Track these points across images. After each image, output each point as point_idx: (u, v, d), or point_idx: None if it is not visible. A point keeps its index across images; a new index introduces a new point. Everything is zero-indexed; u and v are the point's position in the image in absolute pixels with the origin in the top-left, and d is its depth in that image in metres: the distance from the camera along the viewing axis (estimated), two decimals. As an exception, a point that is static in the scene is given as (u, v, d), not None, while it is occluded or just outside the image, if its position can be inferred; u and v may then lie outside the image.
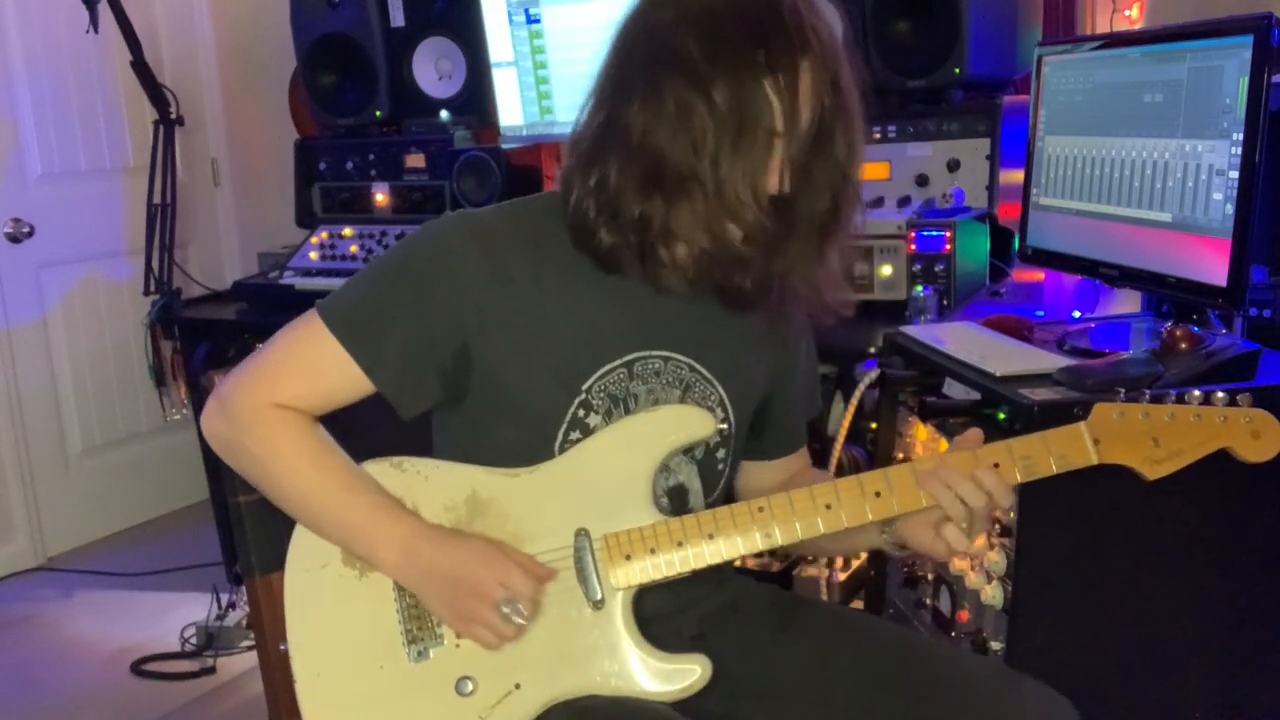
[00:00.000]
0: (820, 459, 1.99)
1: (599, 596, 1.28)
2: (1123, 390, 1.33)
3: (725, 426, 1.40)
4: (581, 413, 1.32)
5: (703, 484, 1.41)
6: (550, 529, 1.31)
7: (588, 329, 1.32)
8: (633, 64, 1.26)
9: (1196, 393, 1.31)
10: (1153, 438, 1.30)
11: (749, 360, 1.42)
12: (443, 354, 1.30)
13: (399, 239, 3.18)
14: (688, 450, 1.38)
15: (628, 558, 1.29)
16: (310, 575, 1.35)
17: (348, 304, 1.32)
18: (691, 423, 1.33)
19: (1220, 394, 1.31)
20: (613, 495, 1.31)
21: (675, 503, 1.39)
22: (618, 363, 1.33)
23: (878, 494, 1.30)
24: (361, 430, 1.38)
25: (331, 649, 1.33)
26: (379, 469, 1.35)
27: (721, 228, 1.24)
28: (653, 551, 1.29)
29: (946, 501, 1.27)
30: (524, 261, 1.31)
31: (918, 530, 1.32)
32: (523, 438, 1.33)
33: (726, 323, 1.37)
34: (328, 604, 1.34)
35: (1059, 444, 1.31)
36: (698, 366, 1.37)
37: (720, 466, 1.42)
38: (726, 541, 1.29)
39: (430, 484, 1.34)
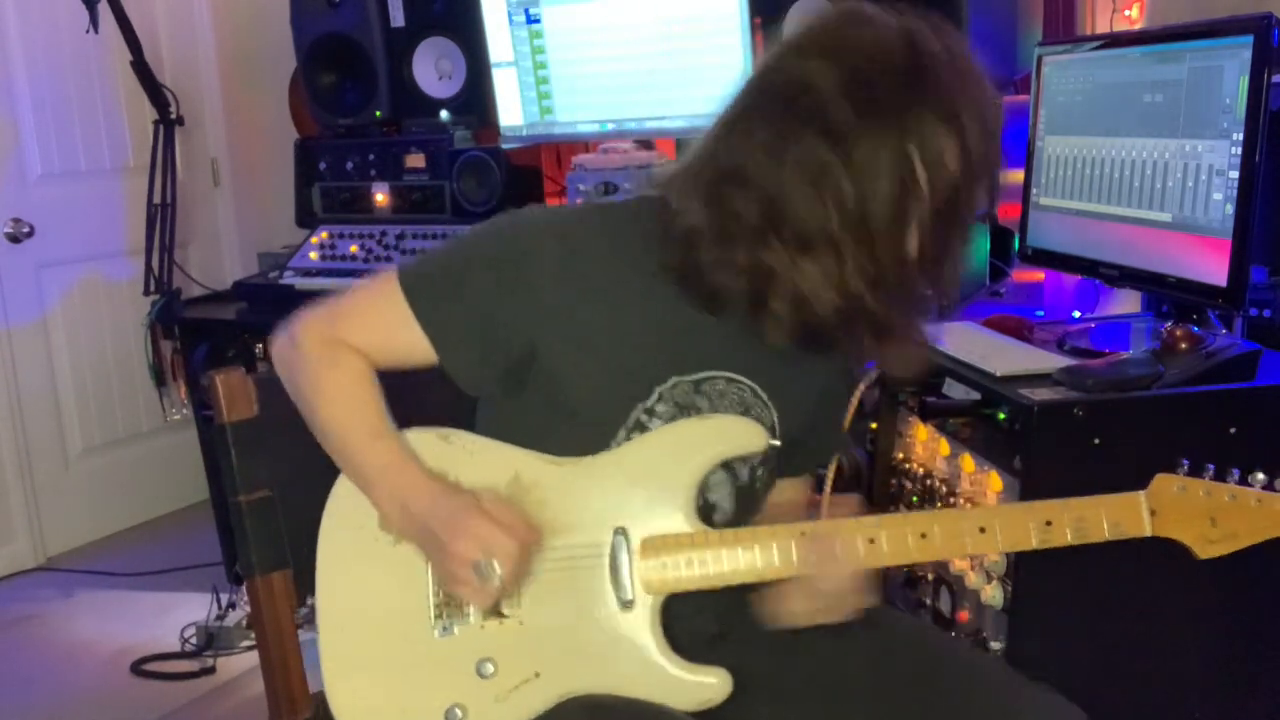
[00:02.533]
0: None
1: (629, 597, 1.28)
2: (1186, 463, 1.29)
3: (777, 443, 1.39)
4: (645, 418, 1.32)
5: (738, 506, 1.39)
6: (589, 522, 1.30)
7: (662, 341, 1.31)
8: (766, 101, 1.22)
9: (1261, 476, 1.27)
10: (1210, 517, 1.28)
11: (803, 386, 1.41)
12: (510, 346, 1.31)
13: (399, 239, 3.22)
14: (731, 469, 1.37)
15: (664, 564, 1.28)
16: (346, 533, 1.35)
17: (426, 277, 1.34)
18: (744, 435, 1.32)
19: None
20: (656, 498, 1.30)
21: (704, 521, 1.37)
22: (686, 379, 1.32)
23: (924, 535, 1.28)
24: (407, 396, 1.37)
25: (358, 608, 1.33)
26: (424, 438, 1.34)
27: (858, 288, 1.20)
28: (689, 561, 1.29)
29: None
30: (604, 271, 1.30)
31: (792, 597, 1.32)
32: (578, 437, 1.32)
33: (790, 349, 1.33)
34: (360, 565, 1.34)
35: (1115, 511, 1.29)
36: (759, 391, 1.36)
37: (758, 486, 1.41)
38: (764, 559, 1.28)
39: (475, 460, 1.33)
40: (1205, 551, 1.29)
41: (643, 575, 1.28)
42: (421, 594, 1.32)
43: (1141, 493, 1.29)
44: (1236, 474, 1.28)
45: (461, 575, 1.25)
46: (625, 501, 1.30)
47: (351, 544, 1.35)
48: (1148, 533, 1.28)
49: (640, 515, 1.29)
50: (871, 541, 1.29)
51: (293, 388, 1.36)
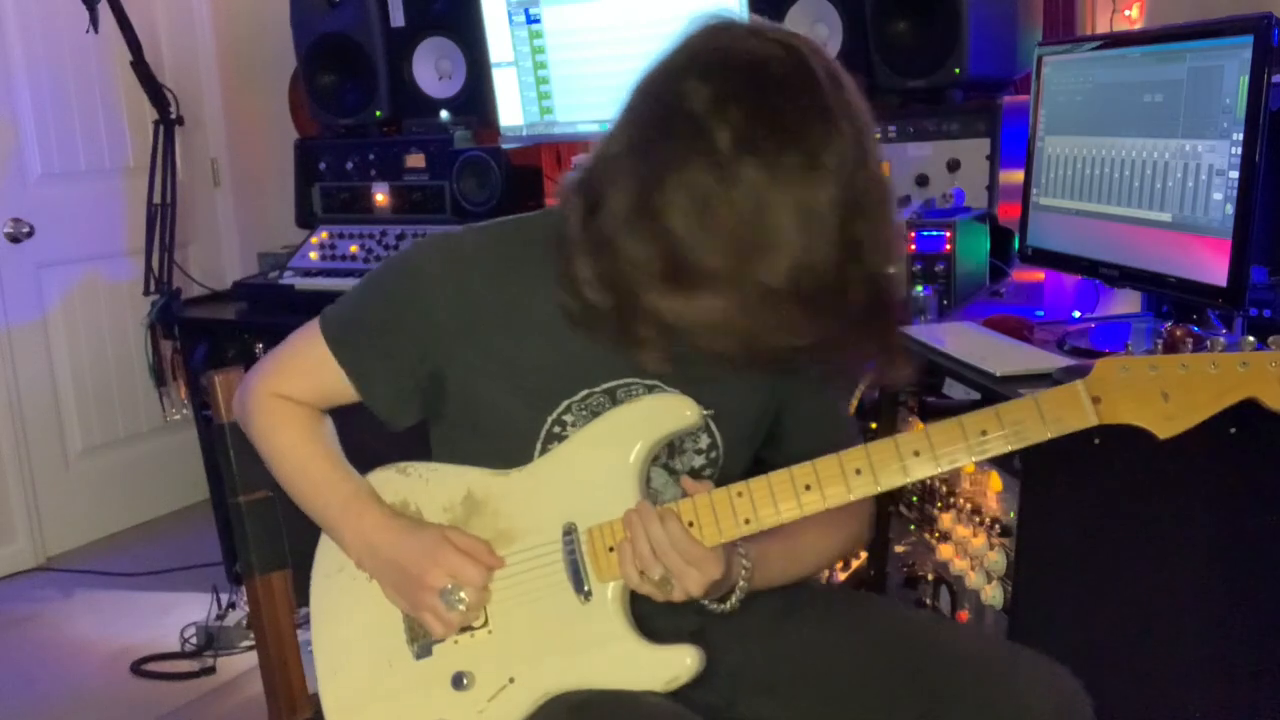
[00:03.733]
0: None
1: (586, 589, 1.30)
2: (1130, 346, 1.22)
3: (714, 453, 1.38)
4: (558, 429, 1.33)
5: None
6: (540, 525, 1.32)
7: (567, 356, 1.31)
8: (646, 123, 1.18)
9: (1221, 339, 1.17)
10: (1162, 392, 1.17)
11: (739, 382, 1.36)
12: (417, 375, 1.35)
13: (399, 239, 3.22)
14: (670, 469, 1.37)
15: (611, 549, 1.29)
16: (328, 580, 1.40)
17: (342, 319, 1.39)
18: (675, 411, 1.31)
19: (1249, 338, 1.16)
20: (600, 489, 1.31)
21: None
22: (598, 389, 1.33)
23: (858, 471, 1.26)
24: (365, 433, 1.42)
25: (347, 648, 1.38)
26: (385, 475, 1.39)
27: (746, 324, 1.15)
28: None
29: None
30: (501, 289, 1.31)
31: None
32: (499, 453, 1.35)
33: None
34: (342, 606, 1.39)
35: (1053, 406, 1.20)
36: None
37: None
38: (708, 529, 1.28)
39: (430, 486, 1.38)
40: (1164, 430, 1.19)
41: (594, 565, 1.30)
42: (396, 620, 1.36)
43: (1079, 380, 1.20)
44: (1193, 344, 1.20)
45: (430, 604, 1.30)
46: (572, 497, 1.32)
47: (336, 588, 1.40)
48: (1093, 421, 1.20)
49: (587, 508, 1.31)
50: (808, 488, 1.26)
51: (252, 441, 1.43)
